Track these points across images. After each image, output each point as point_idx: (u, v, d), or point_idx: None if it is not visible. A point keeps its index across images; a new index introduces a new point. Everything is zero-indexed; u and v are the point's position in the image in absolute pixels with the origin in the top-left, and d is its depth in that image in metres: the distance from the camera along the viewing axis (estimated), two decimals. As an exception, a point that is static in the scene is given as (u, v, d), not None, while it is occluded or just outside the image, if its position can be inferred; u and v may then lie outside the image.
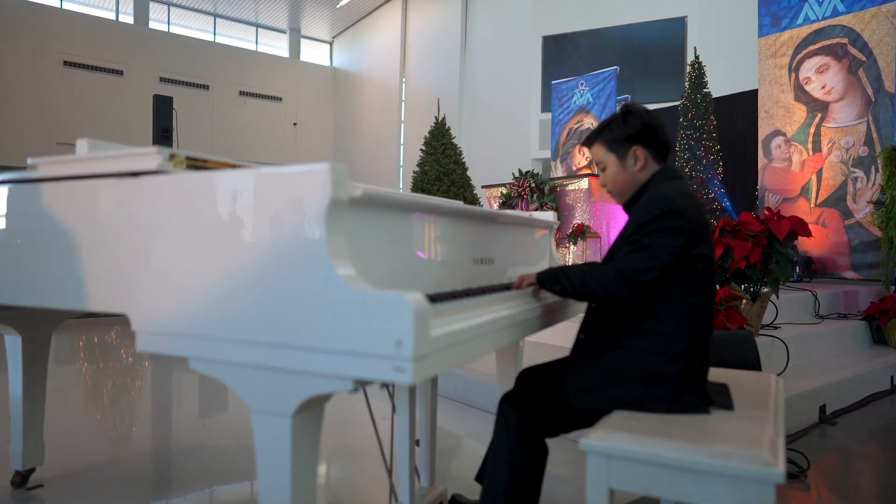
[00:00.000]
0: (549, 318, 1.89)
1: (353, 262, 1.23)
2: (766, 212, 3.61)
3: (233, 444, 3.13)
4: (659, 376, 1.56)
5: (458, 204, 1.83)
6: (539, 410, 1.73)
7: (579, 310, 2.07)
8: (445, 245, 1.73)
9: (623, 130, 1.79)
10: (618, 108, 1.92)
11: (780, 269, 3.55)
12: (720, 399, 1.62)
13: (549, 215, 2.55)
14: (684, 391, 1.56)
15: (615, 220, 6.76)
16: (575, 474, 2.71)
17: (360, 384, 1.19)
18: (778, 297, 3.77)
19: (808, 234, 3.52)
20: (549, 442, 1.75)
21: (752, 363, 2.93)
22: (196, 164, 1.48)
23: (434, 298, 1.40)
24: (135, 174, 1.42)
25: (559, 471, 2.72)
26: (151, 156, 1.37)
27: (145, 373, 4.86)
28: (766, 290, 3.76)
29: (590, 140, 1.88)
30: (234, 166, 1.55)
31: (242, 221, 1.24)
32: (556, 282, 1.72)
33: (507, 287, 1.85)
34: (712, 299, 1.67)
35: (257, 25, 19.44)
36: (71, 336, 6.51)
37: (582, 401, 1.63)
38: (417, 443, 2.22)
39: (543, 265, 2.52)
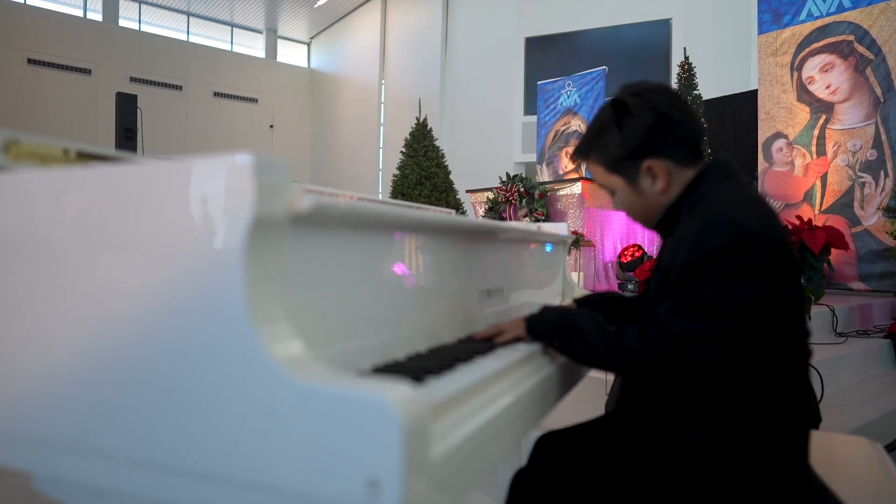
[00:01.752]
0: (577, 371, 1.41)
1: (297, 318, 0.74)
2: (798, 220, 3.17)
3: None
4: (746, 462, 1.08)
5: (452, 217, 1.34)
6: (565, 493, 1.25)
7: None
8: (441, 274, 1.24)
9: (621, 145, 1.22)
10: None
11: (813, 286, 3.11)
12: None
13: (562, 227, 2.08)
14: (783, 489, 1.08)
15: (610, 227, 6.33)
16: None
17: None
18: (810, 317, 3.34)
19: (845, 247, 3.09)
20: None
21: (810, 406, 2.48)
22: (86, 160, 0.99)
23: (432, 366, 0.91)
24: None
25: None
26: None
27: None
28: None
29: (581, 153, 1.34)
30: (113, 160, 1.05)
31: (105, 256, 0.75)
32: (561, 336, 1.17)
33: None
34: (808, 354, 1.18)
35: (232, 25, 18.86)
36: None
37: None
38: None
39: (555, 290, 2.05)
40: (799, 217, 3.28)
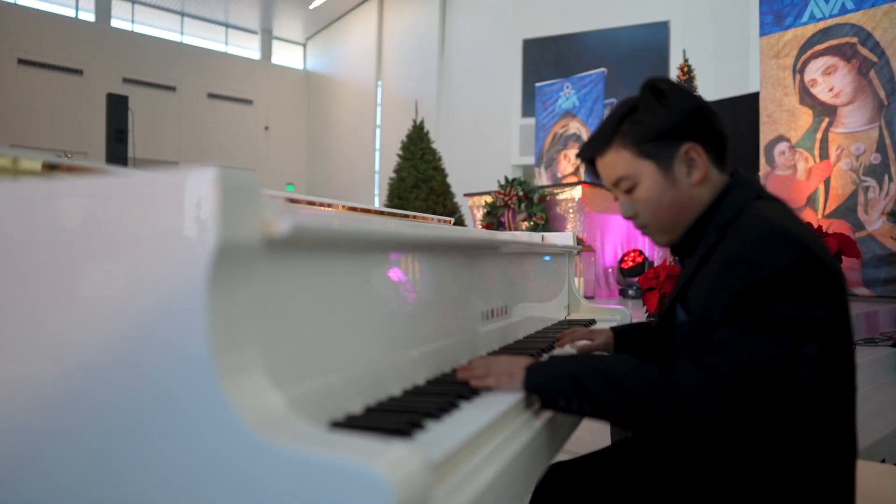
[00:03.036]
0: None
1: (278, 354, 0.63)
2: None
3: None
4: None
5: (449, 230, 1.22)
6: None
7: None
8: (438, 295, 1.13)
9: (666, 116, 1.07)
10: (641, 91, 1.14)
11: (822, 295, 3.01)
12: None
13: (567, 237, 1.97)
14: None
15: (610, 232, 6.22)
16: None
17: None
18: (819, 328, 3.24)
19: (857, 255, 2.99)
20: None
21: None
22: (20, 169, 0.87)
23: (431, 407, 0.80)
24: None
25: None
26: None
27: None
28: (802, 319, 3.23)
29: (598, 144, 1.14)
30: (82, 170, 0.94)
31: (48, 285, 0.63)
32: (578, 389, 0.90)
33: (530, 354, 1.26)
34: (854, 389, 1.04)
35: (227, 25, 18.71)
36: None
37: None
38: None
39: (560, 303, 1.94)
40: (809, 224, 3.17)
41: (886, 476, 1.39)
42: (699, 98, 1.12)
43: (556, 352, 1.38)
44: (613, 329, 1.45)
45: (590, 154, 1.17)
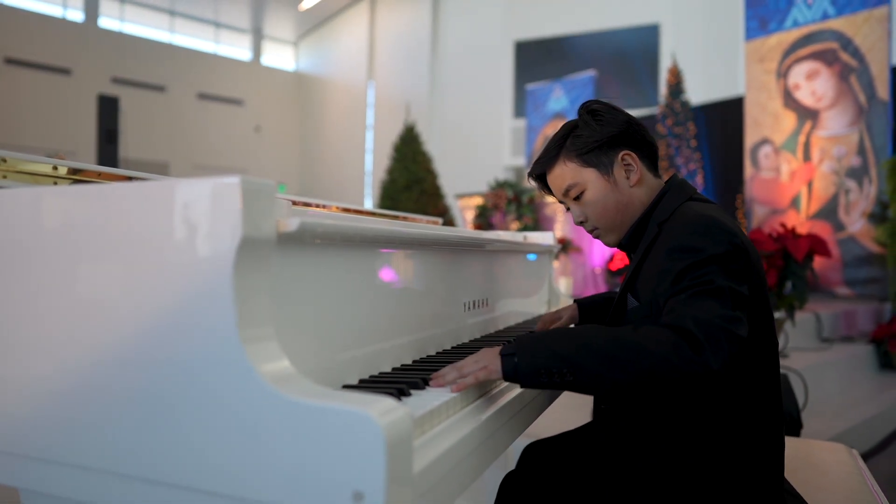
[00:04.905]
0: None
1: (286, 331, 0.74)
2: (782, 228, 3.20)
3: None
4: (732, 483, 1.07)
5: (437, 230, 1.33)
6: (550, 498, 1.24)
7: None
8: (426, 287, 1.23)
9: (601, 130, 1.22)
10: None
11: (797, 292, 3.13)
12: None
13: (547, 237, 2.08)
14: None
15: (597, 233, 6.34)
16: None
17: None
18: (794, 324, 3.36)
19: (827, 253, 3.11)
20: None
21: (791, 414, 2.49)
22: (54, 177, 0.97)
23: (417, 378, 0.90)
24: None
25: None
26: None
27: None
28: (779, 316, 3.35)
29: (546, 160, 1.28)
30: (119, 179, 1.04)
31: (95, 276, 0.74)
32: (555, 369, 0.91)
33: (507, 341, 1.37)
34: (778, 360, 1.17)
35: (217, 25, 18.71)
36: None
37: None
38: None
39: (541, 298, 2.04)
40: (783, 224, 3.29)
41: (830, 452, 1.50)
42: (628, 114, 1.27)
43: None
44: (577, 301, 1.56)
45: (540, 170, 1.30)
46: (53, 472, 0.77)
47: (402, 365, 1.07)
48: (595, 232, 1.30)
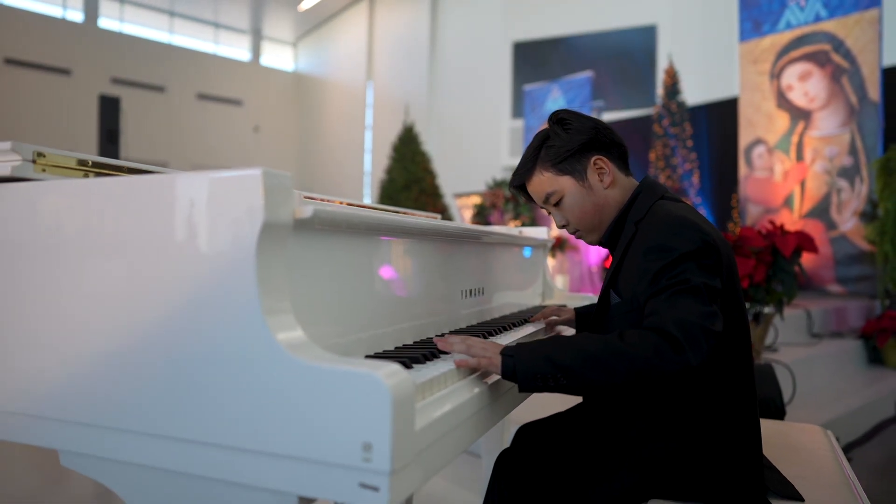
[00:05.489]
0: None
1: (298, 313, 0.82)
2: (770, 226, 3.29)
3: None
4: (708, 459, 1.16)
5: (436, 221, 1.42)
6: (541, 479, 1.33)
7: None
8: (426, 274, 1.32)
9: (570, 139, 1.31)
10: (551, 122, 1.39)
11: (785, 288, 3.22)
12: (777, 484, 1.22)
13: (541, 231, 2.16)
14: (739, 478, 1.17)
15: (593, 232, 6.44)
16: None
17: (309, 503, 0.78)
18: (783, 318, 3.46)
19: (814, 249, 3.20)
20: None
21: (775, 401, 2.58)
22: (85, 170, 1.05)
23: (418, 355, 1.00)
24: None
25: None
26: (3, 155, 0.94)
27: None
28: (768, 311, 3.44)
29: (524, 172, 1.37)
30: (140, 172, 1.12)
31: (130, 256, 0.83)
32: (550, 374, 1.01)
33: (502, 326, 1.46)
34: (751, 349, 1.27)
35: (216, 25, 18.78)
36: None
37: None
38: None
39: (535, 291, 2.13)
40: (771, 222, 3.39)
41: (807, 433, 1.60)
42: (595, 119, 1.36)
43: (524, 333, 1.54)
44: (575, 309, 1.66)
45: (519, 181, 1.40)
46: (91, 434, 0.86)
47: (403, 345, 1.16)
48: (577, 233, 1.39)
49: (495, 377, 1.05)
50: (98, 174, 1.08)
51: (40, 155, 0.95)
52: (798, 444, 1.52)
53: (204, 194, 0.77)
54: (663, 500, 1.16)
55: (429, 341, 1.21)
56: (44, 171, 0.95)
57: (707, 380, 1.16)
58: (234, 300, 0.74)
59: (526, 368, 1.01)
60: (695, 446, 1.16)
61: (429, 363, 0.98)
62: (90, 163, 1.05)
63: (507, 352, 1.04)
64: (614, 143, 1.34)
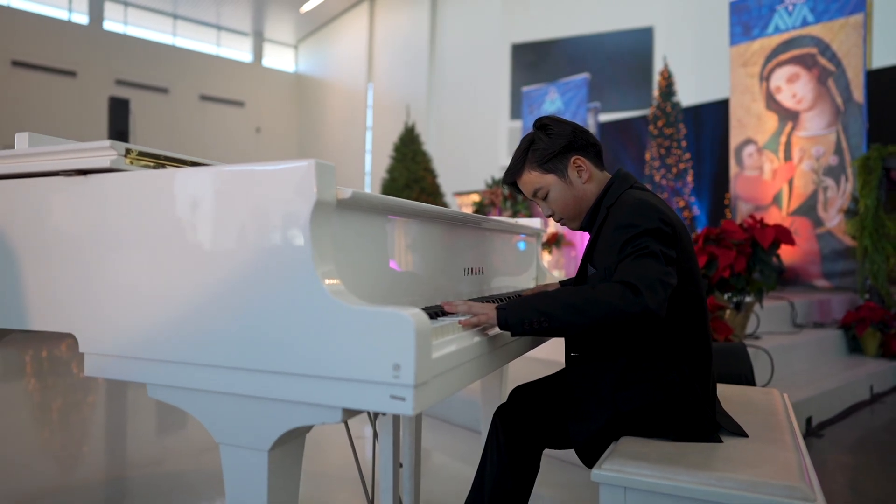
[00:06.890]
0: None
1: (339, 273, 1.06)
2: (750, 219, 3.53)
3: (194, 468, 2.90)
4: (669, 404, 1.41)
5: (443, 208, 1.66)
6: (533, 427, 1.58)
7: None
8: (435, 253, 1.56)
9: (552, 143, 1.55)
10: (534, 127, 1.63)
11: (764, 277, 3.46)
12: (727, 424, 1.46)
13: (535, 222, 2.41)
14: (695, 419, 1.41)
15: (589, 228, 6.69)
16: (558, 496, 2.56)
17: (351, 414, 1.02)
18: (762, 306, 3.69)
19: (791, 242, 3.45)
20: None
21: (746, 376, 2.82)
22: (159, 162, 1.29)
23: (431, 312, 1.24)
24: (83, 172, 1.22)
25: (542, 491, 2.57)
26: (104, 151, 1.18)
27: (98, 389, 4.56)
28: (749, 299, 3.68)
29: (514, 171, 1.61)
30: (199, 165, 1.36)
31: (210, 228, 1.06)
32: (535, 319, 1.25)
33: (500, 299, 1.70)
34: (707, 313, 1.52)
35: (219, 28, 19.02)
36: (16, 350, 6.13)
37: (588, 446, 1.47)
38: (401, 465, 2.04)
39: (530, 275, 2.37)
40: (752, 216, 3.63)
41: (765, 394, 1.83)
42: (574, 124, 1.60)
43: None
44: (560, 282, 1.94)
45: (511, 179, 1.65)
46: (175, 369, 1.09)
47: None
48: (561, 221, 1.64)
49: (494, 331, 1.29)
50: (171, 167, 1.31)
51: (129, 151, 1.19)
52: (754, 400, 1.76)
53: (272, 180, 1.01)
54: (633, 436, 1.41)
55: (436, 307, 1.45)
56: (132, 163, 1.18)
57: (667, 338, 1.42)
58: (294, 262, 0.98)
59: (516, 316, 1.27)
60: (657, 393, 1.40)
61: (440, 318, 1.22)
62: (163, 157, 1.29)
63: (501, 306, 1.30)
64: (590, 144, 1.59)
